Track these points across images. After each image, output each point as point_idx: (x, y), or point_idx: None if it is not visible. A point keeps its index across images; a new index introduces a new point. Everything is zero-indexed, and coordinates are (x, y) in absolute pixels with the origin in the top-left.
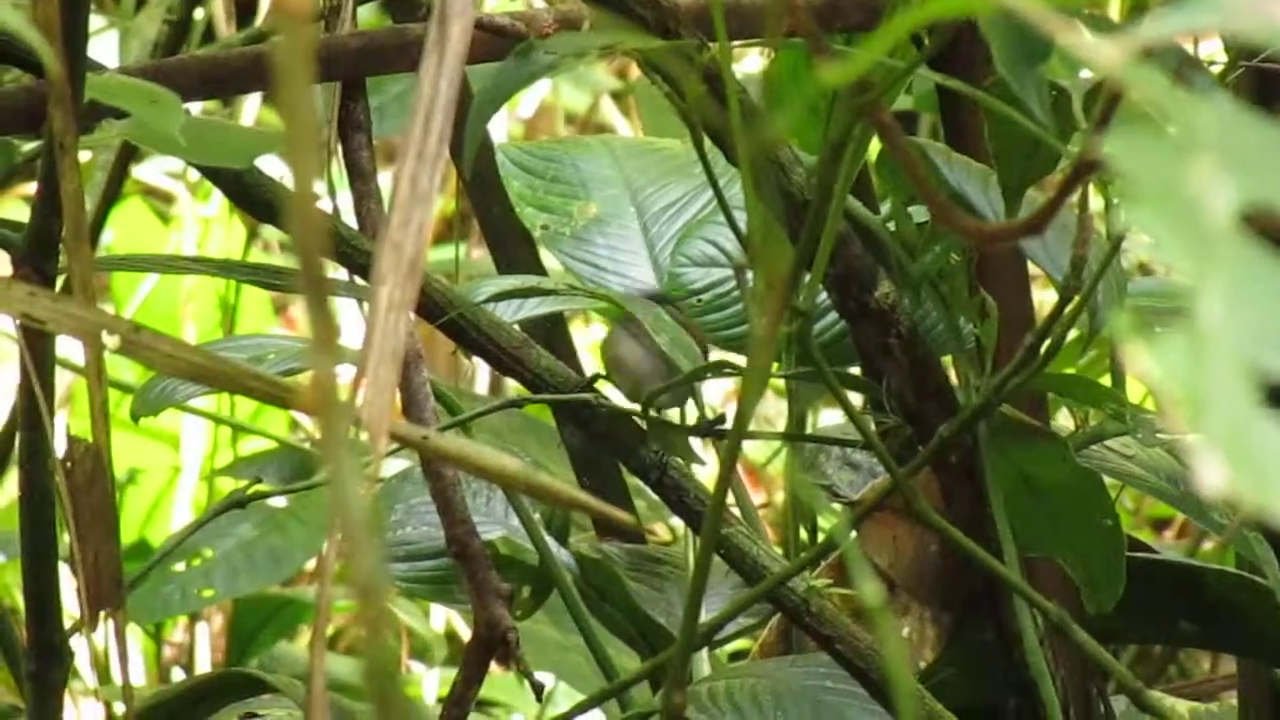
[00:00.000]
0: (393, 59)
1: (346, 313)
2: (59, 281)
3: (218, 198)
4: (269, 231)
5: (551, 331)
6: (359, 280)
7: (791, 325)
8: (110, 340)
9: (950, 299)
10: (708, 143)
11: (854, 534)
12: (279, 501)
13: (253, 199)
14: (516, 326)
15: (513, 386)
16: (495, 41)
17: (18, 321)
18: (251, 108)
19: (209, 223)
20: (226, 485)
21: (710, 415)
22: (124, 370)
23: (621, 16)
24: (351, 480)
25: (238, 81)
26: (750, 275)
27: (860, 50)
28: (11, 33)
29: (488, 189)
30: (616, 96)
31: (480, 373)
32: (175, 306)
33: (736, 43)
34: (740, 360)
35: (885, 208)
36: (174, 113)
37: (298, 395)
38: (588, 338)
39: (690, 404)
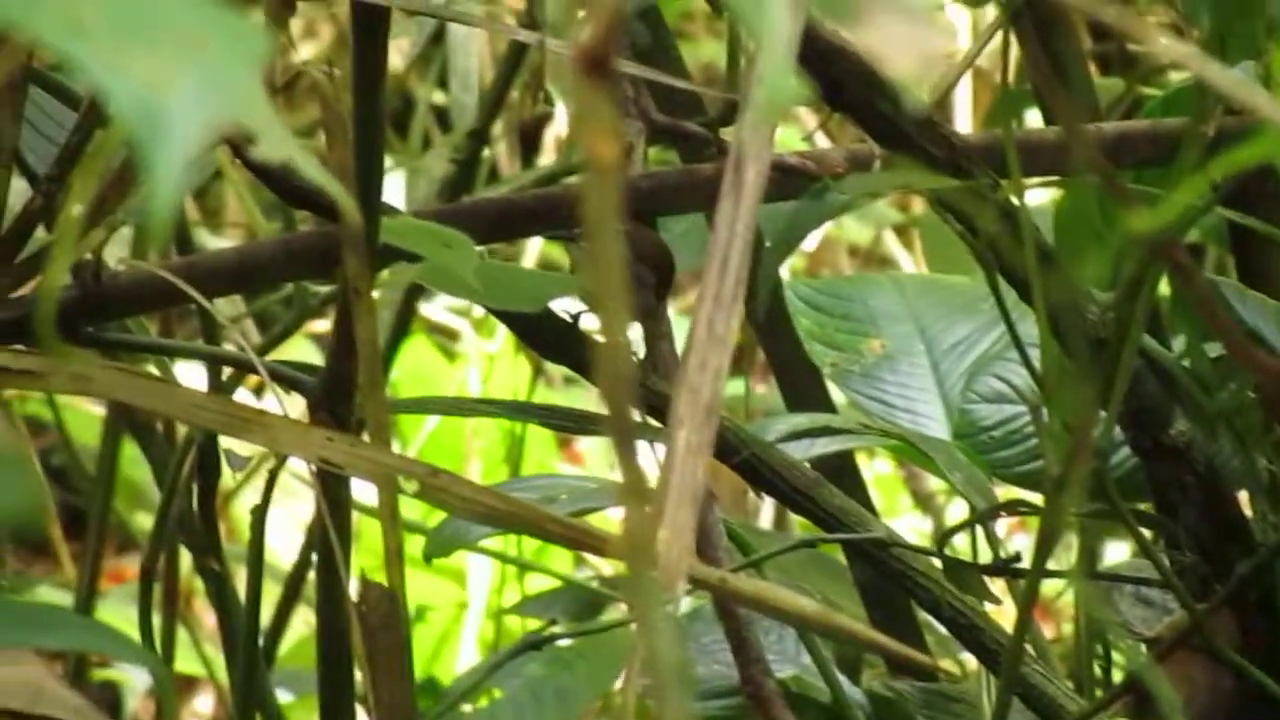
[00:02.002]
0: (681, 199)
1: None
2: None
3: (502, 334)
4: (553, 365)
5: (841, 468)
6: (651, 420)
7: (1088, 465)
8: (407, 484)
9: (1246, 435)
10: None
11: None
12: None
13: (543, 339)
14: (807, 464)
15: (797, 520)
16: (782, 179)
17: (314, 465)
18: (534, 246)
19: (493, 359)
20: (511, 620)
21: (1004, 553)
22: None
23: (912, 154)
24: (661, 625)
25: (529, 224)
26: (1045, 413)
27: (1160, 194)
28: (307, 179)
29: (776, 326)
30: (899, 230)
31: (765, 506)
32: (461, 441)
33: (1030, 181)
34: (1032, 497)
35: (1178, 344)
36: (468, 256)
37: (606, 542)
38: (869, 471)
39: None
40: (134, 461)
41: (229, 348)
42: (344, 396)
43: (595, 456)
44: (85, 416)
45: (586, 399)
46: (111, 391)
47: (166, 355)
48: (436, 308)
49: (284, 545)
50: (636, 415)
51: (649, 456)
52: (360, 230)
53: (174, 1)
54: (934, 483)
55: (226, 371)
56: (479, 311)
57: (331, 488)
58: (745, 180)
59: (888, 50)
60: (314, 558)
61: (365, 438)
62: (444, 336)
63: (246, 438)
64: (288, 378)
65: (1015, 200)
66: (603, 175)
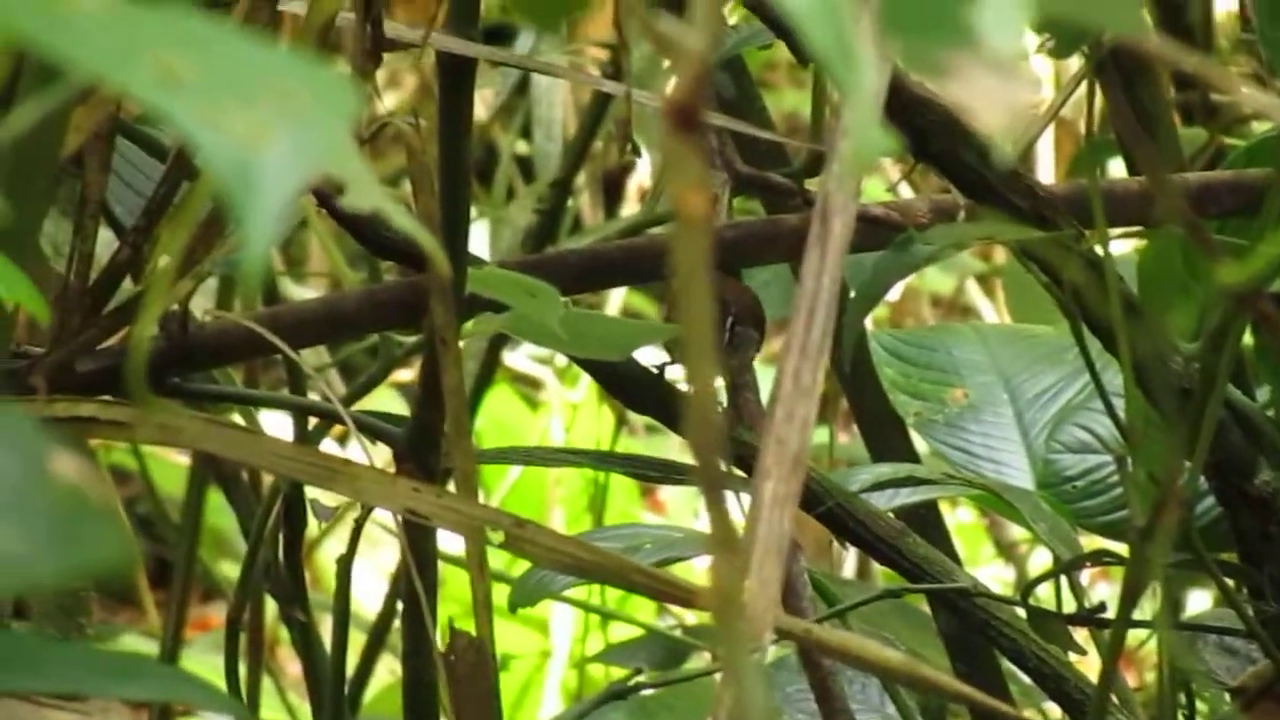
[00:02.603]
0: (765, 249)
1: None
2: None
3: (585, 383)
4: (635, 414)
5: (925, 517)
6: (737, 471)
7: (1175, 515)
8: (493, 535)
9: None
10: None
11: None
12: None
13: (628, 389)
14: (890, 514)
15: (881, 570)
16: (867, 230)
17: (400, 516)
18: (616, 296)
19: (576, 408)
20: (595, 669)
21: (1088, 603)
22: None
23: (997, 205)
24: (748, 675)
25: (614, 275)
26: (1130, 463)
27: (1245, 245)
28: (395, 228)
29: (860, 375)
30: (981, 279)
31: (849, 556)
32: (544, 490)
33: (1114, 231)
34: (1116, 547)
35: (1262, 394)
36: (553, 306)
37: (692, 593)
38: (951, 519)
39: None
40: (219, 510)
41: (314, 398)
42: (430, 447)
43: (678, 505)
44: (170, 466)
45: (669, 448)
46: (199, 442)
47: (253, 406)
48: (519, 357)
49: (368, 594)
50: (723, 466)
51: (735, 507)
52: (447, 280)
53: (265, 56)
54: (1017, 532)
55: (312, 421)
56: (562, 360)
57: (417, 538)
58: (831, 231)
59: (974, 103)
60: (399, 607)
61: (451, 488)
62: (527, 386)
63: (333, 488)
64: (374, 428)
65: (1100, 251)
66: (692, 227)
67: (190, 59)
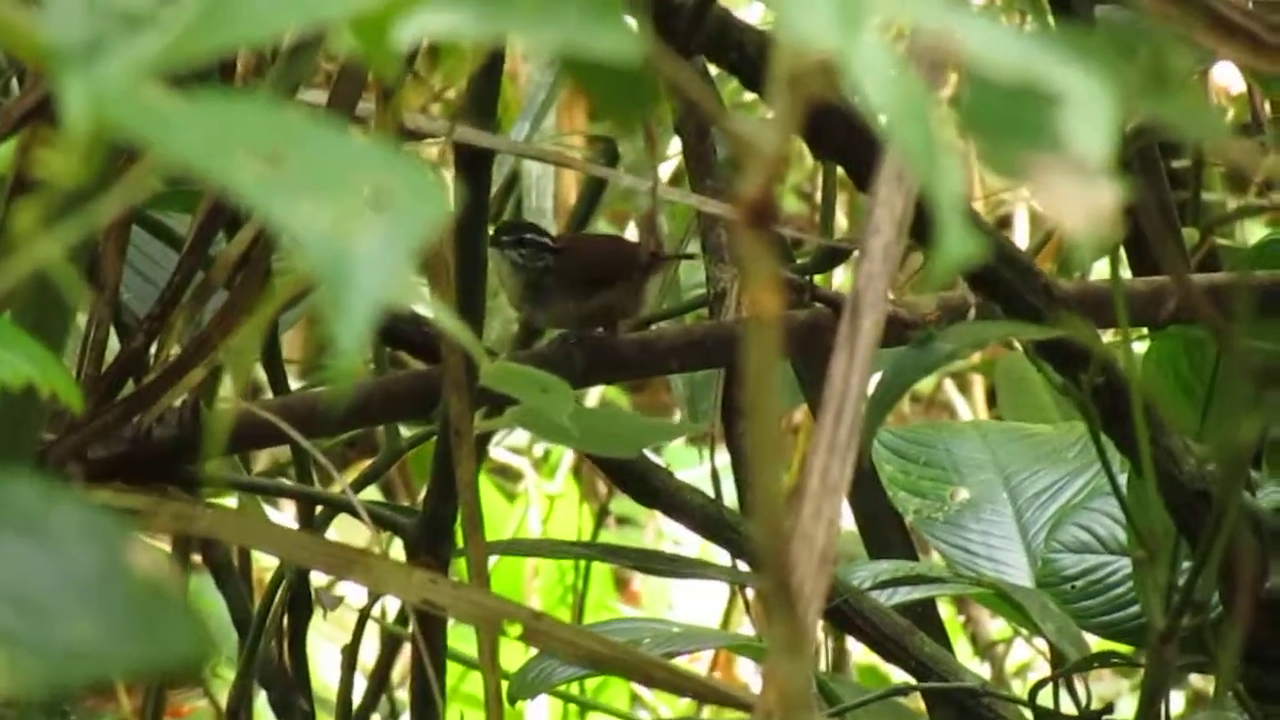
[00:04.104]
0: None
1: (720, 594)
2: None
3: (562, 475)
4: (615, 506)
5: (922, 615)
6: (740, 565)
7: (1188, 618)
8: (511, 627)
9: None
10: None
11: None
12: None
13: (636, 482)
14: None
15: (855, 666)
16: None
17: (414, 607)
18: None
19: (554, 499)
20: None
21: (1095, 703)
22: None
23: (1011, 302)
24: None
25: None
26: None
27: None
28: (418, 318)
29: (859, 472)
30: (956, 375)
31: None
32: (520, 580)
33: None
34: (1121, 648)
35: (1268, 489)
36: (564, 401)
37: (738, 695)
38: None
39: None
40: (193, 597)
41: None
42: (445, 538)
43: (652, 597)
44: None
45: (642, 540)
46: (216, 531)
47: (265, 494)
48: (497, 447)
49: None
50: (729, 560)
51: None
52: (464, 372)
53: (356, 148)
54: (994, 630)
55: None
56: (539, 451)
57: (429, 631)
58: (861, 330)
59: (1056, 205)
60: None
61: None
62: (503, 477)
63: (350, 577)
64: (385, 518)
65: (1119, 351)
66: (766, 324)
67: (280, 150)
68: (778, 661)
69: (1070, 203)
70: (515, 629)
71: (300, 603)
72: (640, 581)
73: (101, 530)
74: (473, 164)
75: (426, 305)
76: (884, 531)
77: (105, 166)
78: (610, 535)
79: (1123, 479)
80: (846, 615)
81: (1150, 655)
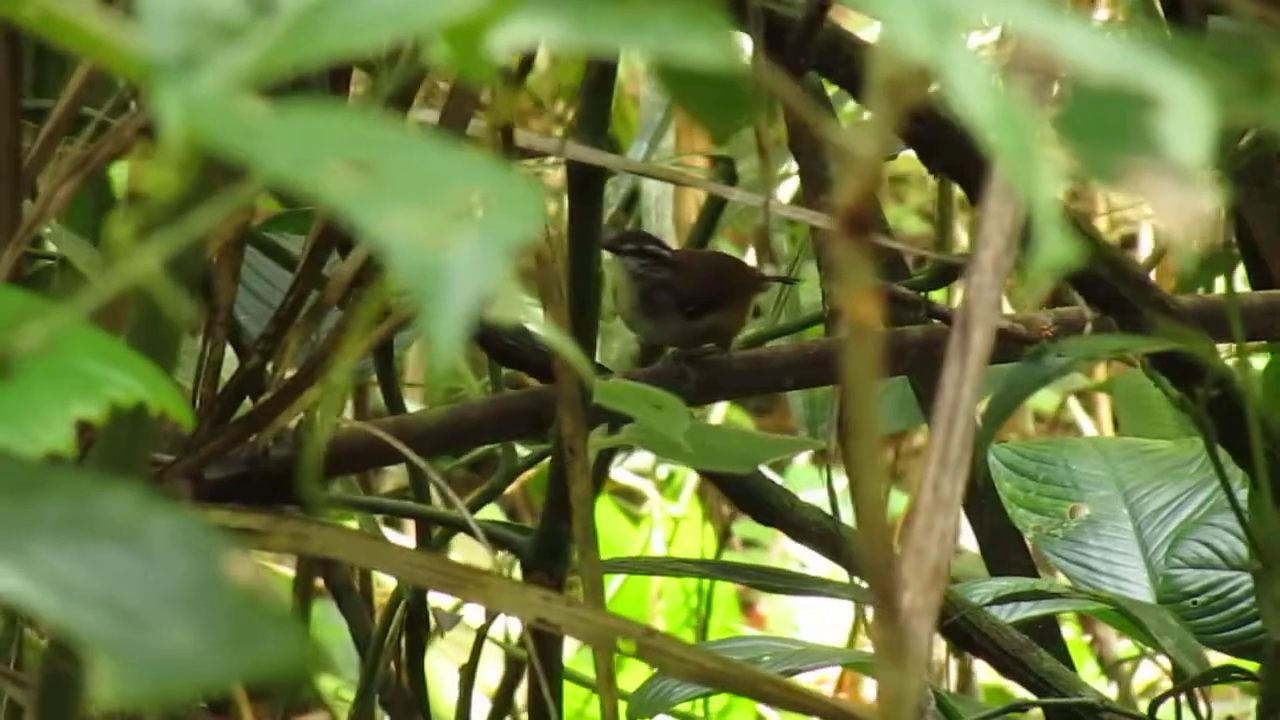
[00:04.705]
0: (891, 362)
1: (846, 616)
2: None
3: (686, 496)
4: (741, 529)
5: (1044, 632)
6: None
7: None
8: (624, 645)
9: None
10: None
11: None
12: None
13: (754, 500)
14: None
15: (981, 686)
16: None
17: (528, 625)
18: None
19: (678, 521)
20: None
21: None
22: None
23: (1127, 317)
24: None
25: (737, 387)
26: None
27: None
28: (536, 339)
29: (978, 489)
30: (1082, 395)
31: (950, 669)
32: (645, 603)
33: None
34: (1245, 664)
35: None
36: (679, 418)
37: (856, 711)
38: (1069, 630)
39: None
40: (318, 624)
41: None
42: (556, 556)
43: (778, 620)
44: (276, 576)
45: (767, 561)
46: (330, 550)
47: (381, 513)
48: (621, 469)
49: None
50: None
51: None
52: (577, 391)
53: (448, 158)
54: (1120, 648)
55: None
56: (663, 473)
57: (545, 649)
58: (972, 342)
59: (1156, 211)
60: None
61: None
62: (627, 499)
63: (463, 596)
64: (500, 537)
65: (1236, 364)
66: (864, 334)
67: (375, 162)
68: (885, 673)
69: (1168, 207)
70: (629, 646)
71: (418, 623)
72: (766, 604)
73: (198, 541)
74: (585, 182)
75: (538, 323)
76: (1004, 549)
77: (210, 181)
78: (736, 557)
79: (1244, 494)
80: (965, 632)
81: (1264, 668)
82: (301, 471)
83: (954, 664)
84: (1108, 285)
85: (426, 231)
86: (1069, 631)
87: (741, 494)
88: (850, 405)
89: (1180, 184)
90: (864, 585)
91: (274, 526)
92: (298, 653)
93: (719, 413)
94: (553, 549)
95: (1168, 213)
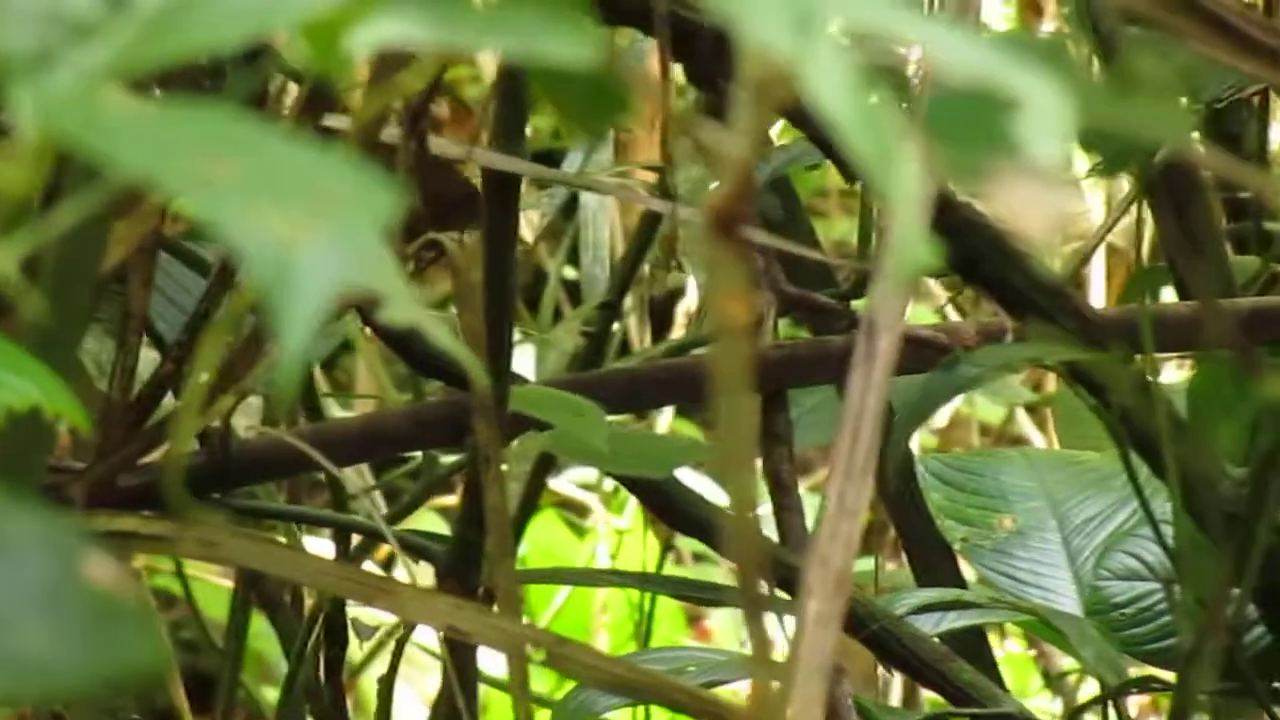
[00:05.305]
0: (813, 371)
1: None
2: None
3: (630, 510)
4: (682, 542)
5: (972, 645)
6: (779, 593)
7: (1221, 641)
8: (535, 653)
9: None
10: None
11: None
12: None
13: (675, 511)
14: (937, 639)
15: (928, 699)
16: (914, 352)
17: (441, 634)
18: (664, 418)
19: (622, 535)
20: None
21: None
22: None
23: (1045, 328)
24: None
25: (658, 394)
26: (1178, 590)
27: None
28: (439, 348)
29: (906, 501)
30: (1031, 408)
31: (895, 683)
32: (588, 616)
33: (1165, 355)
34: (1164, 675)
35: None
36: (598, 425)
37: (731, 710)
38: (1000, 650)
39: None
40: (262, 636)
41: (357, 517)
42: (472, 565)
43: (725, 633)
44: (214, 590)
45: (717, 576)
46: (239, 557)
47: (295, 522)
48: (565, 482)
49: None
50: (766, 588)
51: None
52: (491, 397)
53: (307, 157)
54: (1065, 663)
55: (351, 542)
56: (609, 486)
57: (459, 658)
58: (877, 350)
59: (1017, 212)
60: None
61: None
62: (573, 512)
63: (374, 605)
64: (416, 546)
65: (1149, 374)
66: (733, 337)
67: (231, 159)
68: (755, 679)
69: (1028, 208)
70: (540, 655)
71: (337, 633)
72: (714, 618)
73: (57, 541)
74: (499, 189)
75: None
76: (933, 561)
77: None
78: (685, 571)
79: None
80: (884, 642)
81: (1178, 678)
82: (166, 478)
83: (899, 678)
84: (1023, 295)
85: (282, 230)
86: (1015, 646)
87: (664, 506)
88: (719, 405)
89: (1039, 185)
90: (784, 596)
91: (182, 533)
92: (153, 653)
93: (664, 423)
94: (468, 559)
95: (1025, 213)
